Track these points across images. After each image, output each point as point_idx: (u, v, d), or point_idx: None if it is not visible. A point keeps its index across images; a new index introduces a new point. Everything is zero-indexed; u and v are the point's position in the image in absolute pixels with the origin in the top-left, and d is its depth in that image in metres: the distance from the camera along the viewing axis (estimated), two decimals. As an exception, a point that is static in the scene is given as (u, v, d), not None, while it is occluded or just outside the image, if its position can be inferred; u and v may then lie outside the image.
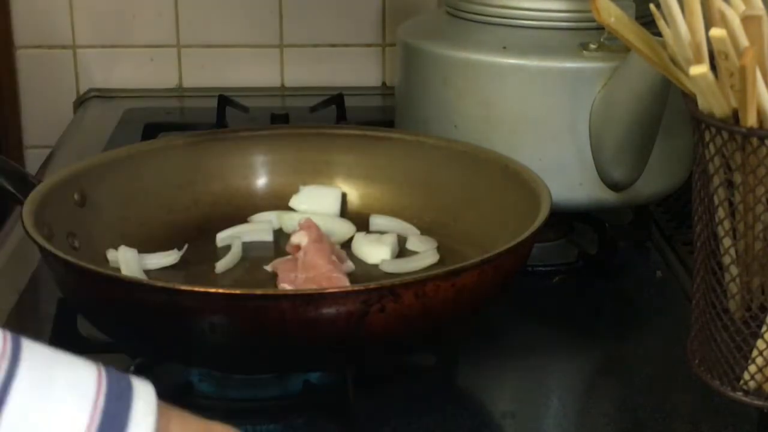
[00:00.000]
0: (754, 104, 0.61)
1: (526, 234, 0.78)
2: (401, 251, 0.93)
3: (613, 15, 0.69)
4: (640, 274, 1.01)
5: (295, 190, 0.99)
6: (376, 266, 0.91)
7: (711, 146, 0.64)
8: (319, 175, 1.00)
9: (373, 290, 0.70)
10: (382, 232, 0.95)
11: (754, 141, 0.62)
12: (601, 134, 0.94)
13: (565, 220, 1.05)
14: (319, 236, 0.88)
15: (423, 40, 1.03)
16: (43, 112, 1.52)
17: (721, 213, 0.66)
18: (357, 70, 1.53)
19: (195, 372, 0.78)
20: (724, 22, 0.60)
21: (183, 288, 0.72)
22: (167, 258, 0.90)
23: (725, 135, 0.63)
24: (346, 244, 0.94)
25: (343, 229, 0.95)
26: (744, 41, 0.60)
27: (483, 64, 0.97)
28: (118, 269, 0.86)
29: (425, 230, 0.95)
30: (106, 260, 0.88)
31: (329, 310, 0.69)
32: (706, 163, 0.65)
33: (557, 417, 0.80)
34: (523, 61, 0.96)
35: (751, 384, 0.67)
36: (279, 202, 0.99)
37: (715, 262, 0.67)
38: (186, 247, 0.91)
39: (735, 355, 0.67)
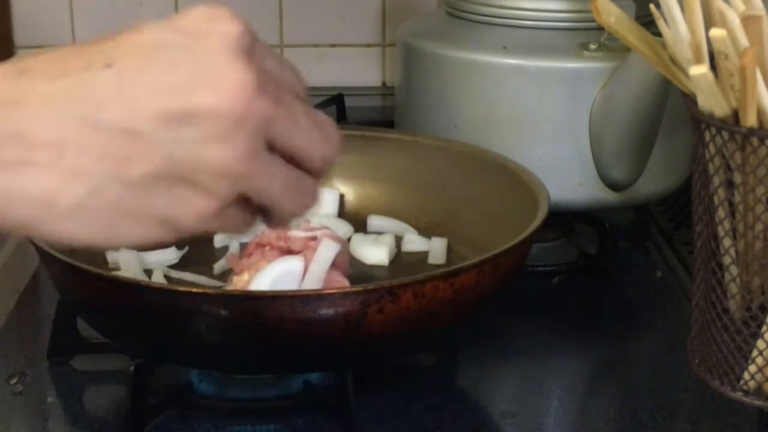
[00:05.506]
0: (754, 104, 0.60)
1: (525, 234, 0.78)
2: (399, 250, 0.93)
3: (613, 15, 0.69)
4: (640, 274, 1.01)
5: (293, 191, 0.99)
6: (374, 267, 0.91)
7: (711, 146, 0.64)
8: (317, 175, 1.00)
9: (372, 291, 0.70)
10: (379, 233, 0.95)
11: (754, 141, 0.62)
12: (601, 134, 0.94)
13: (565, 220, 1.05)
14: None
15: (423, 40, 1.03)
16: (43, 113, 1.52)
17: (721, 213, 0.66)
18: (357, 70, 1.53)
19: (195, 372, 0.78)
20: (724, 22, 0.60)
21: (181, 289, 0.72)
22: (168, 255, 0.90)
23: (725, 135, 0.63)
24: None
25: (341, 229, 0.94)
26: (744, 41, 0.60)
27: (483, 64, 0.97)
28: (118, 270, 0.86)
29: (423, 230, 0.95)
30: (105, 261, 0.88)
31: (327, 311, 0.69)
32: (706, 163, 0.65)
33: (557, 417, 0.80)
34: (523, 61, 0.96)
35: (751, 384, 0.67)
36: (277, 202, 0.98)
37: (715, 262, 0.67)
38: (186, 248, 0.91)
39: (735, 356, 0.67)
